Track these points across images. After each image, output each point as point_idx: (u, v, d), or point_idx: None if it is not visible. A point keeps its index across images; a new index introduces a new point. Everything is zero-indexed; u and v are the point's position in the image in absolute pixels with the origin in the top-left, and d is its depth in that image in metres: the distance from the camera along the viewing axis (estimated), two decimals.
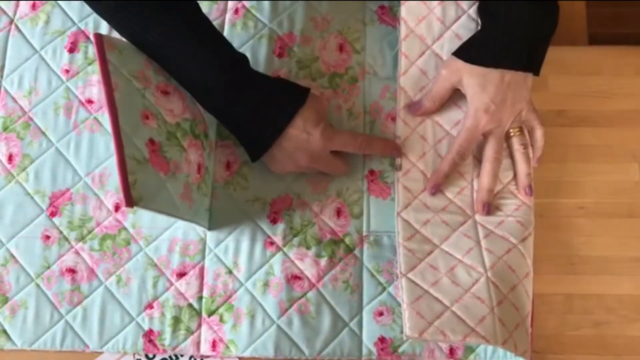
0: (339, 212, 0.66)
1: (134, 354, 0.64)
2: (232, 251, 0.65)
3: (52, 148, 0.69)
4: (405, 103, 0.67)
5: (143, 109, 0.58)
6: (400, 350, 0.63)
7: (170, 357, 0.65)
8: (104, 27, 0.73)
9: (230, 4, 0.73)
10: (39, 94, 0.71)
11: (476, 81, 0.61)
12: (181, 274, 0.65)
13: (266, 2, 0.73)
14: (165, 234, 0.66)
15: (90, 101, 0.70)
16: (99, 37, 0.57)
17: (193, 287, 0.65)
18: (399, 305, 0.63)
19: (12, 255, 0.67)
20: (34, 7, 0.74)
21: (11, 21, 0.74)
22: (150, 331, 0.64)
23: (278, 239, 0.65)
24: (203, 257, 0.66)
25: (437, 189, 0.64)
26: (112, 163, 0.68)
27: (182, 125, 0.62)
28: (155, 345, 0.64)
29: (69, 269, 0.66)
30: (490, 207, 0.64)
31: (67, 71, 0.72)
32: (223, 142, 0.69)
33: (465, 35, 0.66)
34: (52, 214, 0.67)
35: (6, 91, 0.72)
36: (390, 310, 0.63)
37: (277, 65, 0.71)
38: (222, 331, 0.64)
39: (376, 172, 0.67)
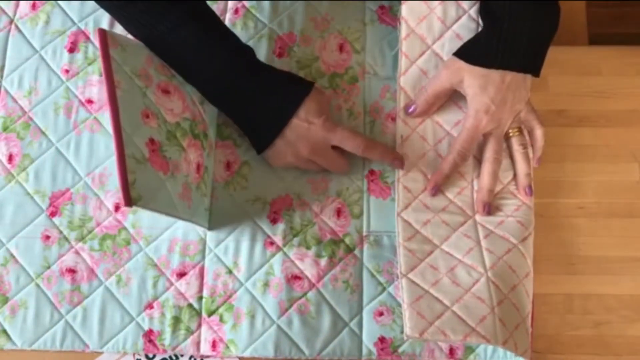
0: (339, 212, 0.66)
1: (134, 354, 0.64)
2: (232, 251, 0.65)
3: (52, 148, 0.69)
4: (405, 103, 0.67)
5: (144, 108, 0.57)
6: (400, 350, 0.63)
7: (170, 357, 0.65)
8: (104, 27, 0.72)
9: (230, 4, 0.73)
10: (39, 94, 0.71)
11: (477, 82, 0.61)
12: (181, 274, 0.65)
13: (266, 2, 0.73)
14: (165, 234, 0.66)
15: (90, 101, 0.70)
16: (102, 33, 0.57)
17: (193, 287, 0.65)
18: (399, 305, 0.63)
19: (12, 255, 0.67)
20: (34, 7, 0.74)
21: (11, 21, 0.74)
22: (150, 331, 0.64)
23: (278, 239, 0.65)
24: (203, 257, 0.66)
25: (437, 189, 0.64)
26: (112, 163, 0.68)
27: (182, 125, 0.62)
28: (155, 345, 0.64)
29: (69, 269, 0.66)
30: (491, 208, 0.64)
31: (67, 71, 0.71)
32: (223, 142, 0.69)
33: (466, 36, 0.66)
34: (52, 214, 0.67)
35: (6, 91, 0.72)
36: (390, 310, 0.63)
37: (277, 65, 0.70)
38: (222, 331, 0.64)
39: (376, 172, 0.67)
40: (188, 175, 0.61)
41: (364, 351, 0.63)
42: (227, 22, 0.72)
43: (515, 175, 0.65)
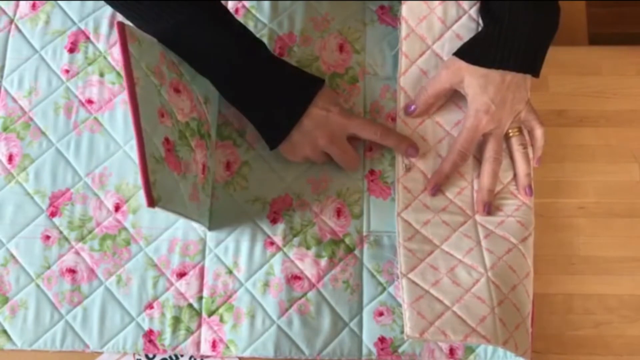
0: (339, 212, 0.66)
1: (134, 354, 0.64)
2: (232, 251, 0.65)
3: (52, 148, 0.69)
4: (405, 103, 0.67)
5: (160, 107, 0.56)
6: (400, 350, 0.63)
7: (170, 357, 0.64)
8: (104, 28, 0.73)
9: (230, 4, 0.73)
10: (39, 94, 0.71)
11: (477, 82, 0.61)
12: (181, 274, 0.65)
13: (266, 2, 0.73)
14: (165, 234, 0.66)
15: (90, 101, 0.70)
16: (121, 26, 0.54)
17: (193, 287, 0.65)
18: (399, 305, 0.63)
19: (12, 256, 0.67)
20: (34, 7, 0.74)
21: (11, 21, 0.74)
22: (150, 331, 0.64)
23: (278, 239, 0.65)
24: (203, 257, 0.66)
25: (437, 189, 0.64)
26: (112, 163, 0.68)
27: (191, 124, 0.61)
28: (155, 345, 0.64)
29: (69, 269, 0.66)
30: (491, 208, 0.64)
31: (67, 71, 0.71)
32: (223, 142, 0.69)
33: (466, 36, 0.66)
34: (52, 214, 0.67)
35: (6, 91, 0.72)
36: (390, 310, 0.63)
37: None
38: (222, 331, 0.64)
39: (376, 172, 0.67)
40: (196, 175, 0.61)
41: (364, 351, 0.63)
42: None
43: (515, 175, 0.65)
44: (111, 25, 0.73)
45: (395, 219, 0.64)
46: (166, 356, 0.65)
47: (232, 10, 0.72)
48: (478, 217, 0.64)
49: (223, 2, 0.73)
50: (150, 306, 0.65)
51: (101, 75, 0.71)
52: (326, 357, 0.63)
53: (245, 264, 0.65)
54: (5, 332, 0.65)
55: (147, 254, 0.66)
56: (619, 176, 0.68)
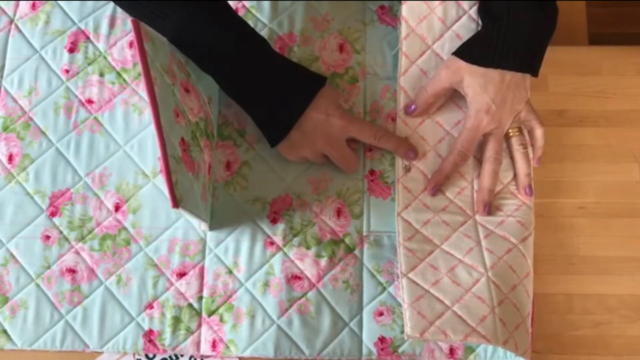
0: (339, 212, 0.66)
1: (134, 354, 0.64)
2: (232, 251, 0.65)
3: (52, 148, 0.69)
4: (405, 103, 0.67)
5: (175, 106, 0.55)
6: (400, 350, 0.63)
7: (170, 357, 0.64)
8: (104, 28, 0.73)
9: (230, 3, 0.73)
10: (39, 94, 0.71)
11: (477, 81, 0.61)
12: (181, 274, 0.65)
13: (266, 2, 0.73)
14: (165, 234, 0.66)
15: (90, 101, 0.70)
16: (137, 24, 0.52)
17: (193, 287, 0.65)
18: (399, 305, 0.63)
19: (12, 255, 0.67)
20: (33, 7, 0.74)
21: (11, 21, 0.74)
22: (150, 331, 0.64)
23: (278, 239, 0.65)
24: (203, 257, 0.66)
25: (438, 189, 0.64)
26: (112, 163, 0.68)
27: (200, 124, 0.61)
28: (155, 345, 0.64)
29: (69, 269, 0.66)
30: (491, 208, 0.64)
31: (67, 71, 0.71)
32: (223, 142, 0.68)
33: (466, 36, 0.66)
34: (52, 214, 0.67)
35: (6, 91, 0.72)
36: (390, 310, 0.63)
37: None
38: (222, 331, 0.64)
39: (376, 172, 0.67)
40: (205, 175, 0.61)
41: (364, 351, 0.63)
42: None
43: (515, 175, 0.65)
44: (111, 25, 0.73)
45: (395, 219, 0.64)
46: (166, 356, 0.65)
47: None
48: (478, 217, 0.64)
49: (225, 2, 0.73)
50: (150, 306, 0.65)
51: (101, 75, 0.71)
52: (326, 357, 0.63)
53: (245, 264, 0.65)
54: (5, 332, 0.65)
55: (147, 254, 0.66)
56: (619, 176, 0.68)
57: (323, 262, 0.65)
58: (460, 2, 0.67)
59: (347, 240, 0.65)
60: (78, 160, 0.69)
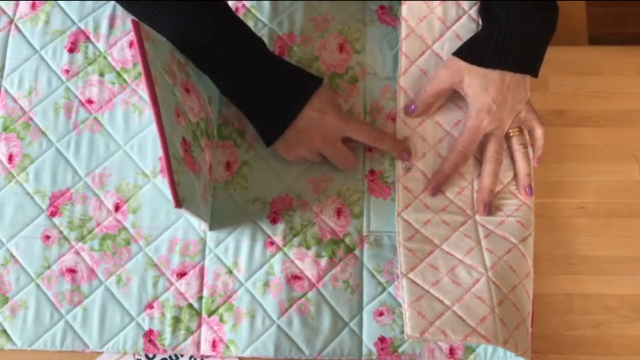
0: (339, 212, 0.66)
1: (134, 354, 0.64)
2: (232, 251, 0.65)
3: (52, 148, 0.69)
4: (405, 103, 0.67)
5: (175, 106, 0.55)
6: (400, 350, 0.63)
7: (170, 357, 0.65)
8: (104, 28, 0.73)
9: (230, 3, 0.73)
10: (39, 94, 0.71)
11: (477, 82, 0.61)
12: (181, 274, 0.65)
13: (266, 2, 0.73)
14: (165, 234, 0.66)
15: (90, 101, 0.70)
16: (137, 25, 0.52)
17: (193, 287, 0.65)
18: (399, 305, 0.63)
19: (12, 255, 0.67)
20: (33, 7, 0.74)
21: (11, 21, 0.74)
22: (150, 331, 0.64)
23: (278, 239, 0.65)
24: (203, 257, 0.66)
25: (438, 189, 0.64)
26: (112, 163, 0.68)
27: (200, 124, 0.61)
28: (155, 345, 0.64)
29: (69, 269, 0.66)
30: (491, 207, 0.64)
31: (67, 71, 0.71)
32: (223, 142, 0.68)
33: (466, 36, 0.66)
34: (52, 214, 0.67)
35: (6, 91, 0.72)
36: (390, 310, 0.63)
37: None
38: (222, 331, 0.64)
39: (376, 172, 0.67)
40: (206, 175, 0.61)
41: (364, 351, 0.63)
42: None
43: (515, 175, 0.65)
44: (111, 25, 0.73)
45: (395, 219, 0.64)
46: (166, 356, 0.65)
47: None
48: (478, 217, 0.64)
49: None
50: (150, 306, 0.65)
51: (101, 75, 0.71)
52: (326, 357, 0.63)
53: (245, 263, 0.65)
54: (5, 332, 0.65)
55: (147, 254, 0.66)
56: (619, 176, 0.68)
57: (323, 262, 0.65)
58: (460, 2, 0.67)
59: (347, 240, 0.65)
60: (78, 160, 0.69)
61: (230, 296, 0.65)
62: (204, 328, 0.64)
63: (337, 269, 0.65)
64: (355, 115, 0.69)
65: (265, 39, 0.71)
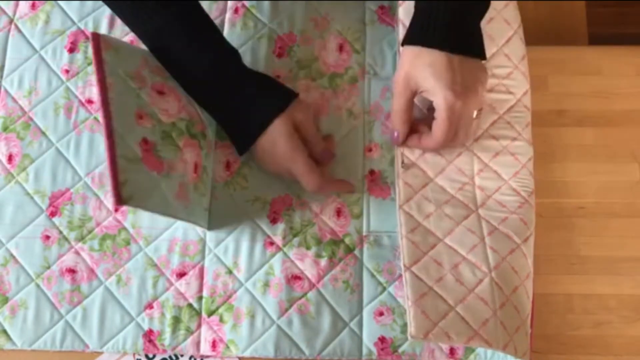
0: (339, 212, 0.66)
1: (134, 354, 0.64)
2: (232, 251, 0.65)
3: (52, 148, 0.69)
4: (390, 135, 0.65)
5: (137, 109, 0.58)
6: (400, 350, 0.63)
7: (170, 357, 0.65)
8: (104, 27, 0.73)
9: (230, 3, 0.73)
10: (39, 94, 0.71)
11: (428, 72, 0.58)
12: (181, 274, 0.65)
13: (266, 2, 0.73)
14: (165, 234, 0.66)
15: (90, 101, 0.70)
16: (96, 37, 0.58)
17: (193, 287, 0.65)
18: (400, 305, 0.63)
19: (12, 255, 0.67)
20: (33, 7, 0.74)
21: (11, 21, 0.74)
22: (150, 331, 0.64)
23: (278, 239, 0.65)
24: (203, 257, 0.66)
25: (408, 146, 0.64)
26: None
27: (178, 125, 0.62)
28: (155, 345, 0.64)
29: (69, 269, 0.66)
30: (401, 138, 0.63)
31: (67, 71, 0.71)
32: (223, 142, 0.68)
33: None
34: (52, 214, 0.67)
35: (6, 91, 0.72)
36: (390, 310, 0.63)
37: (277, 65, 0.71)
38: (222, 331, 0.64)
39: (376, 172, 0.67)
40: (185, 175, 0.61)
41: (364, 351, 0.63)
42: (227, 22, 0.72)
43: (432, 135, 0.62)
44: (111, 25, 0.73)
45: (395, 219, 0.64)
46: (166, 356, 0.65)
47: (232, 10, 0.73)
48: (481, 212, 0.63)
49: (223, 1, 0.73)
50: (150, 306, 0.65)
51: None
52: (326, 357, 0.63)
53: (245, 264, 0.65)
54: (5, 332, 0.65)
55: (147, 254, 0.66)
56: (619, 176, 0.68)
57: (323, 262, 0.65)
58: None
59: (347, 240, 0.65)
60: (78, 160, 0.69)
61: (230, 296, 0.65)
62: (203, 328, 0.64)
63: (337, 269, 0.65)
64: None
65: (265, 39, 0.71)
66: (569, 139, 0.69)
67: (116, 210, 0.67)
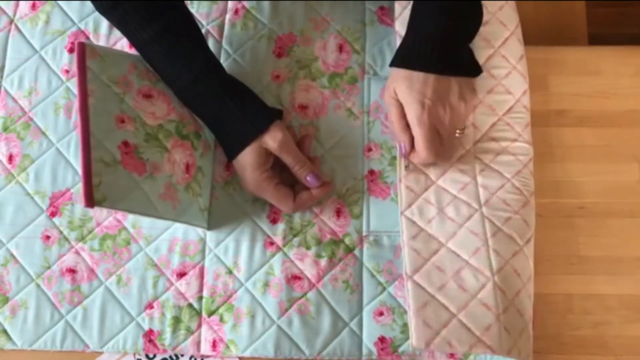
0: (338, 212, 0.66)
1: (134, 354, 0.65)
2: (232, 251, 0.65)
3: (52, 148, 0.69)
4: (399, 152, 0.65)
5: (119, 114, 0.60)
6: (400, 350, 0.63)
7: (170, 357, 0.65)
8: (104, 28, 0.73)
9: (230, 4, 0.73)
10: (39, 94, 0.71)
11: (405, 84, 0.60)
12: (181, 274, 0.65)
13: (266, 2, 0.73)
14: (165, 234, 0.66)
15: None
16: (81, 46, 0.60)
17: (193, 287, 0.65)
18: (400, 305, 0.63)
19: (13, 255, 0.67)
20: (33, 7, 0.74)
21: (11, 21, 0.74)
22: (150, 331, 0.64)
23: (278, 239, 0.65)
24: (203, 257, 0.66)
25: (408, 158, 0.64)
26: None
27: (166, 126, 0.62)
28: (155, 345, 0.64)
29: (69, 269, 0.66)
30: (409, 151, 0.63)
31: (67, 71, 0.72)
32: None
33: None
34: (52, 214, 0.67)
35: (6, 91, 0.72)
36: (390, 310, 0.63)
37: (277, 65, 0.71)
38: (222, 331, 0.64)
39: (376, 172, 0.67)
40: (172, 175, 0.61)
41: (364, 351, 0.63)
42: (227, 23, 0.72)
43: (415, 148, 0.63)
44: (111, 26, 0.73)
45: (395, 219, 0.64)
46: (166, 356, 0.65)
47: (232, 11, 0.73)
48: (485, 210, 0.63)
49: (223, 2, 0.73)
50: (150, 306, 0.65)
51: None
52: (326, 357, 0.63)
53: (245, 264, 0.65)
54: (5, 332, 0.65)
55: (147, 253, 0.66)
56: (619, 176, 0.68)
57: (323, 262, 0.65)
58: None
59: (346, 240, 0.65)
60: (78, 160, 0.69)
61: (230, 296, 0.65)
62: (204, 328, 0.64)
63: (337, 269, 0.65)
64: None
65: (265, 39, 0.71)
66: (569, 139, 0.69)
67: None
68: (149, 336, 0.64)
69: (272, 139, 0.62)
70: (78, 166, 0.68)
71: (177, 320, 0.64)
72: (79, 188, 0.68)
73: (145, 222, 0.67)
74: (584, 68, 0.71)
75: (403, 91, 0.61)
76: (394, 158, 0.67)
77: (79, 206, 0.67)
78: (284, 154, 0.62)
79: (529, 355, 0.58)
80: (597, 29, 1.00)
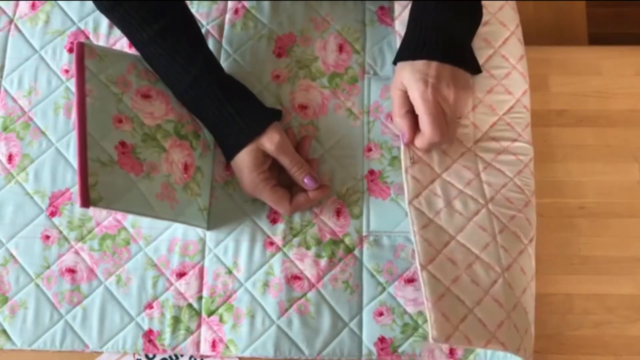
0: (338, 213, 0.66)
1: (133, 354, 0.64)
2: (231, 251, 0.65)
3: (52, 148, 0.69)
4: (401, 139, 0.65)
5: (116, 114, 0.60)
6: (400, 350, 0.62)
7: (170, 357, 0.64)
8: (104, 28, 0.73)
9: (230, 4, 0.73)
10: (38, 94, 0.71)
11: (408, 72, 0.60)
12: (181, 274, 0.65)
13: (266, 2, 0.73)
14: (165, 234, 0.66)
15: None
16: (80, 45, 0.60)
17: (193, 287, 0.65)
18: (399, 305, 0.63)
19: (12, 255, 0.67)
20: (33, 7, 0.74)
21: (11, 21, 0.74)
22: (150, 331, 0.64)
23: (278, 239, 0.65)
24: (203, 257, 0.66)
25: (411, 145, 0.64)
26: None
27: (164, 126, 0.63)
28: (155, 345, 0.64)
29: (68, 269, 0.66)
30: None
31: (67, 71, 0.72)
32: None
33: None
34: (52, 214, 0.67)
35: (6, 91, 0.72)
36: (390, 310, 0.63)
37: (277, 65, 0.71)
38: (222, 331, 0.64)
39: (376, 172, 0.67)
40: (170, 175, 0.61)
41: (364, 351, 0.63)
42: (227, 22, 0.72)
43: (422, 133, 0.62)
44: (111, 25, 0.73)
45: (395, 219, 0.64)
46: (166, 356, 0.64)
47: (232, 11, 0.73)
48: (491, 207, 0.63)
49: (223, 2, 0.73)
50: (149, 306, 0.65)
51: None
52: (326, 357, 0.63)
53: (244, 264, 0.65)
54: (5, 332, 0.65)
55: (147, 253, 0.66)
56: (619, 176, 0.68)
57: (323, 262, 0.65)
58: None
59: (346, 240, 0.65)
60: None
61: (230, 296, 0.64)
62: (203, 328, 0.64)
63: (337, 269, 0.65)
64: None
65: (265, 39, 0.71)
66: (569, 139, 0.69)
67: None
68: (149, 336, 0.64)
69: (269, 141, 0.62)
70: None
71: (176, 320, 0.64)
72: None
73: (145, 222, 0.67)
74: (584, 68, 0.71)
75: (406, 76, 0.60)
76: (394, 158, 0.67)
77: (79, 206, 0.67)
78: (281, 155, 0.62)
79: (531, 355, 0.58)
80: (597, 29, 1.00)
